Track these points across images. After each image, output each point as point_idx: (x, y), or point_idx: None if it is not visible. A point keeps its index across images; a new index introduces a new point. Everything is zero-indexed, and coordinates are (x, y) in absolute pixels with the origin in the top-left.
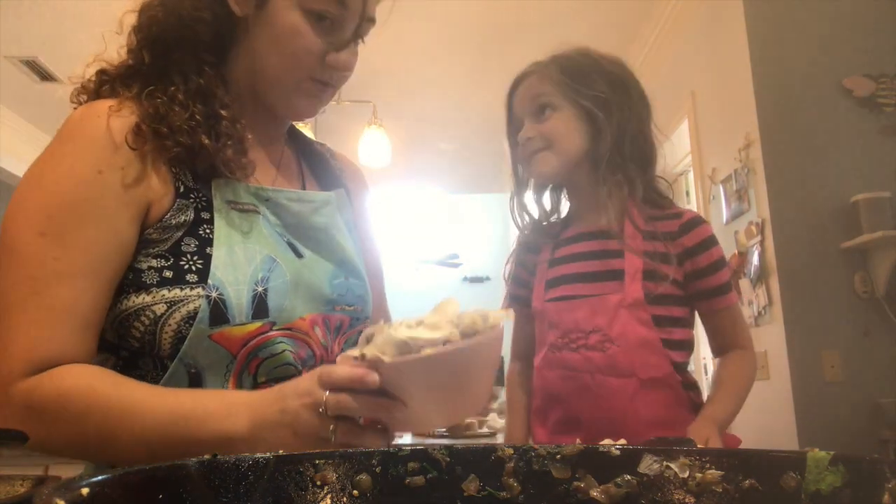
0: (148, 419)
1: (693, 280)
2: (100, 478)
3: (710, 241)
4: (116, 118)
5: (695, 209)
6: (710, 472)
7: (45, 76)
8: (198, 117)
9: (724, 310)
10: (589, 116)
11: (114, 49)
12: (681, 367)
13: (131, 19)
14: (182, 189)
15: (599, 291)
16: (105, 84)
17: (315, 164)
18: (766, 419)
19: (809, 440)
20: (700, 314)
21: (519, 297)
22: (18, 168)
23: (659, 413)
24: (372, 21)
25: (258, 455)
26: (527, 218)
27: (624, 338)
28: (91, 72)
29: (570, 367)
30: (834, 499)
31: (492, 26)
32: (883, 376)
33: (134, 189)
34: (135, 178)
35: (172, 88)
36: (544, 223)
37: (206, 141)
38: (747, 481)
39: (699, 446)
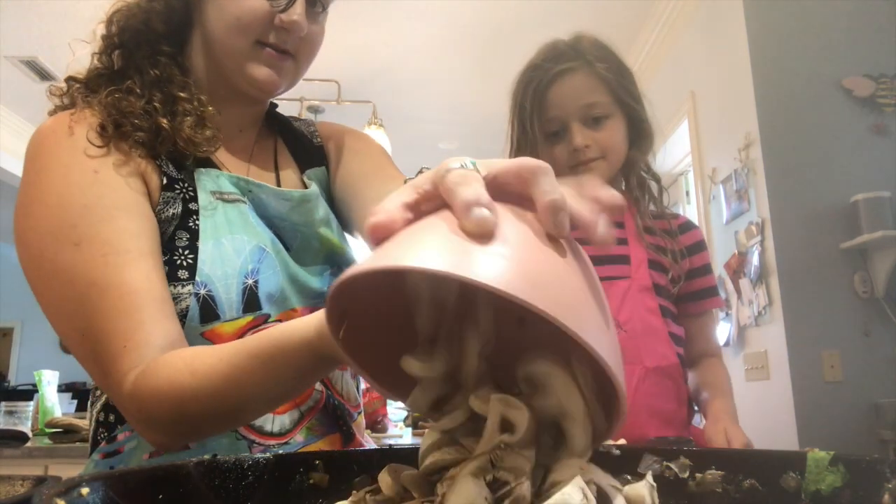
0: (232, 385)
1: (688, 279)
2: (100, 478)
3: (703, 245)
4: (79, 125)
5: (695, 209)
6: (710, 472)
7: (45, 76)
8: (155, 104)
9: (709, 312)
10: (634, 123)
11: (86, 58)
12: (684, 362)
13: (102, 29)
14: (166, 181)
15: (606, 274)
16: (77, 92)
17: (296, 146)
18: (766, 419)
19: (809, 440)
20: (682, 316)
21: None
22: (18, 168)
23: (661, 405)
24: None
25: (258, 455)
26: None
27: (632, 323)
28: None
29: None
30: (834, 499)
31: (492, 26)
32: (883, 376)
33: (134, 178)
34: (129, 170)
35: (129, 83)
36: None
37: (164, 122)
38: (747, 481)
39: (732, 445)
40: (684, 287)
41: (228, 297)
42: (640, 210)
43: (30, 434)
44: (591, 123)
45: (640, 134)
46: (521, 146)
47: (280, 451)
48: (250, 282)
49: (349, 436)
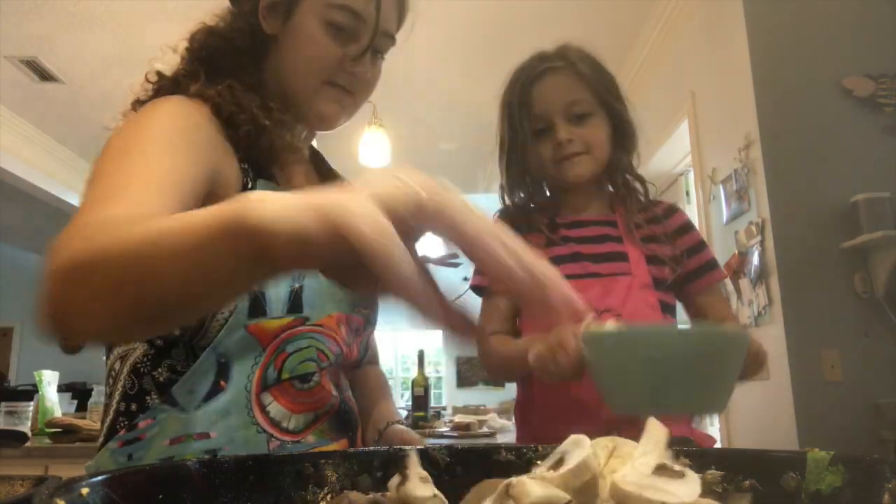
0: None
1: (685, 259)
2: (100, 478)
3: (691, 224)
4: (191, 102)
5: (695, 209)
6: (710, 472)
7: (45, 76)
8: (255, 106)
9: (716, 285)
10: (617, 124)
11: (161, 66)
12: None
13: (184, 44)
14: (248, 186)
15: (608, 271)
16: (163, 86)
17: (331, 183)
18: (766, 419)
19: (809, 440)
20: (690, 296)
21: None
22: (18, 168)
23: None
24: (389, 37)
25: (258, 455)
26: (518, 200)
27: (635, 319)
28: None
29: None
30: (834, 499)
31: (491, 27)
32: (883, 376)
33: (214, 156)
34: (218, 148)
35: (228, 82)
36: (532, 206)
37: (267, 122)
38: (747, 481)
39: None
40: (687, 265)
41: (277, 296)
42: (627, 209)
43: (30, 434)
44: (574, 120)
45: (623, 134)
46: (511, 145)
47: (283, 452)
48: (296, 286)
49: (354, 442)
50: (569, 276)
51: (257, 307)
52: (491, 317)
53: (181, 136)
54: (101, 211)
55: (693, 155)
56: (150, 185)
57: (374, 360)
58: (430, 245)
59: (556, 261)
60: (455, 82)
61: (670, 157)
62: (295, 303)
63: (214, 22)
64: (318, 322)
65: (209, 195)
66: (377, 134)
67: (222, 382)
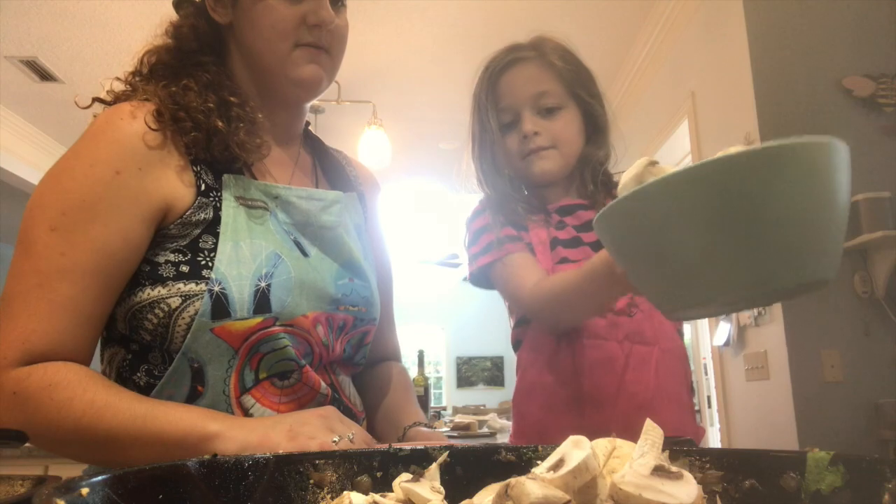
0: (125, 414)
1: None
2: (100, 478)
3: None
4: (136, 120)
5: None
6: (710, 472)
7: (45, 76)
8: (210, 105)
9: None
10: (589, 119)
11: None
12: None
13: (131, 69)
14: (203, 188)
15: None
16: (128, 91)
17: (329, 168)
18: (766, 419)
19: (809, 440)
20: None
21: (519, 238)
22: (18, 168)
23: (673, 388)
24: None
25: (258, 455)
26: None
27: (646, 302)
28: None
29: (596, 336)
30: (834, 499)
31: (491, 26)
32: (883, 376)
33: (150, 190)
34: (152, 180)
35: (185, 81)
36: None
37: (220, 124)
38: (747, 481)
39: None
40: None
41: (241, 296)
42: (597, 203)
43: None
44: (543, 113)
45: (595, 130)
46: (481, 139)
47: (280, 451)
48: (263, 285)
49: None
50: (571, 261)
51: (220, 309)
52: (528, 271)
53: (103, 199)
54: (17, 328)
55: (693, 155)
56: (55, 306)
57: (392, 357)
58: (431, 249)
59: (558, 244)
60: (455, 82)
61: (670, 157)
62: (261, 303)
63: (162, 41)
64: (290, 322)
65: (166, 211)
66: (377, 134)
67: (199, 387)
